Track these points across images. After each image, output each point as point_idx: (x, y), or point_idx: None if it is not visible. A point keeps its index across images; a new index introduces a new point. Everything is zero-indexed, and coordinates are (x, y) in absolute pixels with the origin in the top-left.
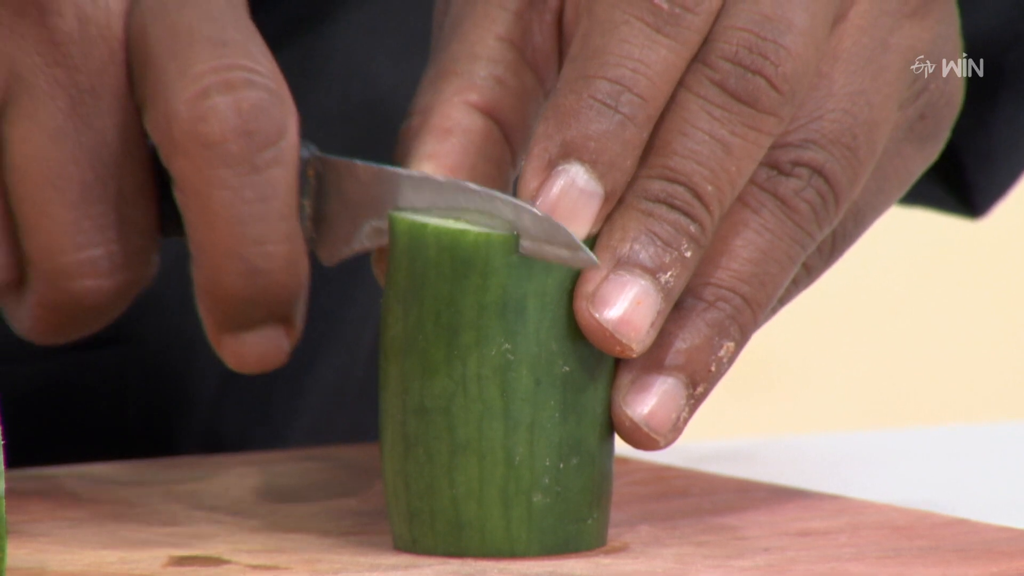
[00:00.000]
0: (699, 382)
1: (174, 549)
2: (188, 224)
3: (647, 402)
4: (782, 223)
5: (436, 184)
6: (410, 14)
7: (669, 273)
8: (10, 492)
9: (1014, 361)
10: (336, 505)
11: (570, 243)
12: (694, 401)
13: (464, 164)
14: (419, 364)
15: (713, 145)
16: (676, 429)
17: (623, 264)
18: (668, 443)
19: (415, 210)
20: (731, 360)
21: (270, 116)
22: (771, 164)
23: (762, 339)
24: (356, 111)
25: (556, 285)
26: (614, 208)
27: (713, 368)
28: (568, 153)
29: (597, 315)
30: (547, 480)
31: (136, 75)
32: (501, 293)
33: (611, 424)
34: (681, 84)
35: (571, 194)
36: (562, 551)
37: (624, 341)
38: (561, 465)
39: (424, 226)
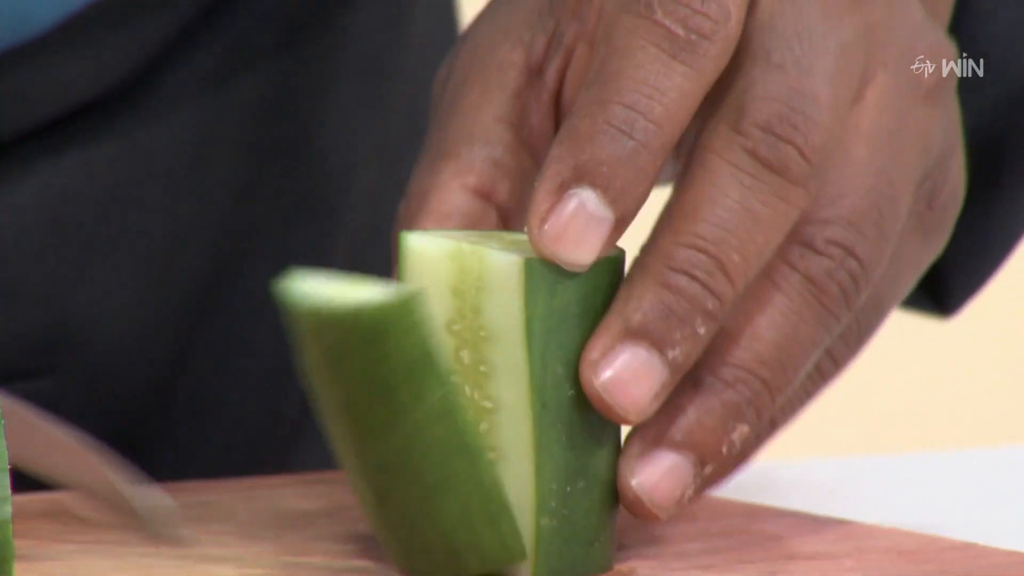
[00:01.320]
0: (708, 462)
1: (181, 573)
2: None
3: (652, 476)
4: (810, 305)
5: None
6: (393, 113)
7: (678, 349)
8: (17, 516)
9: (1022, 384)
10: (344, 529)
11: None
12: (702, 480)
13: None
14: (364, 428)
15: (743, 214)
16: (679, 505)
17: (632, 335)
18: (669, 517)
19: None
20: (747, 442)
21: None
22: (803, 242)
23: None
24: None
25: (561, 308)
26: (633, 271)
27: (725, 450)
28: (580, 177)
29: (597, 382)
30: (554, 503)
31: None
32: (422, 346)
33: (618, 448)
34: (710, 149)
35: (580, 218)
36: (568, 574)
37: (621, 412)
38: (568, 488)
39: (319, 311)
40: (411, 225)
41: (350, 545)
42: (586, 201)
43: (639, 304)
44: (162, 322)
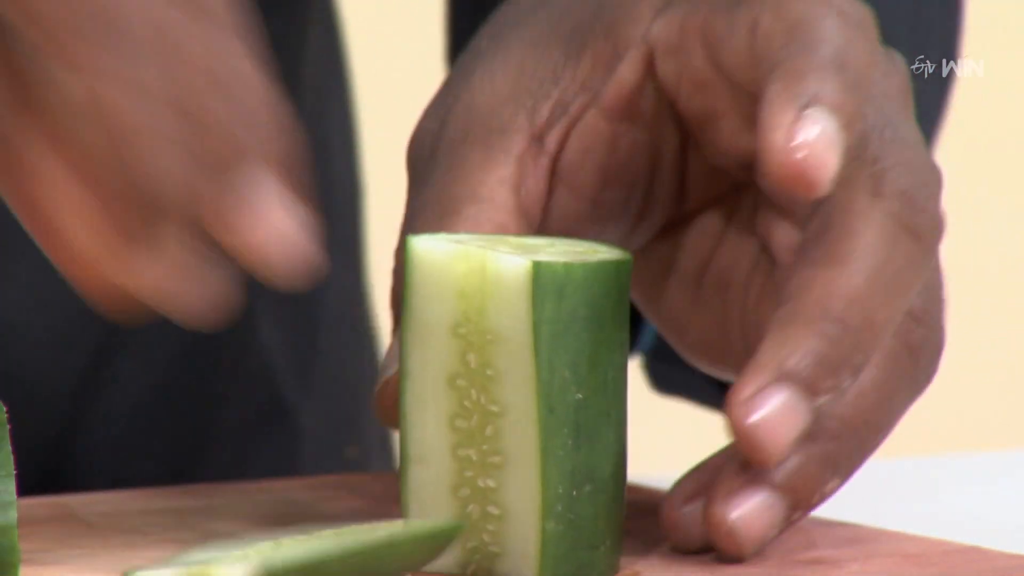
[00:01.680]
0: (798, 509)
1: None
2: None
3: (749, 513)
4: (906, 372)
5: None
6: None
7: (823, 398)
8: (23, 521)
9: None
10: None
11: None
12: (787, 524)
13: None
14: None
15: (890, 275)
16: (763, 544)
17: (786, 379)
18: (749, 555)
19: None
20: (831, 495)
21: None
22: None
23: None
24: None
25: (569, 312)
26: (786, 315)
27: (815, 500)
28: (817, 100)
29: (748, 421)
30: (560, 507)
31: None
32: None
33: (624, 452)
34: (851, 212)
35: (823, 139)
36: None
37: (764, 454)
38: (574, 492)
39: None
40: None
41: None
42: (824, 122)
43: (796, 348)
44: (85, 323)
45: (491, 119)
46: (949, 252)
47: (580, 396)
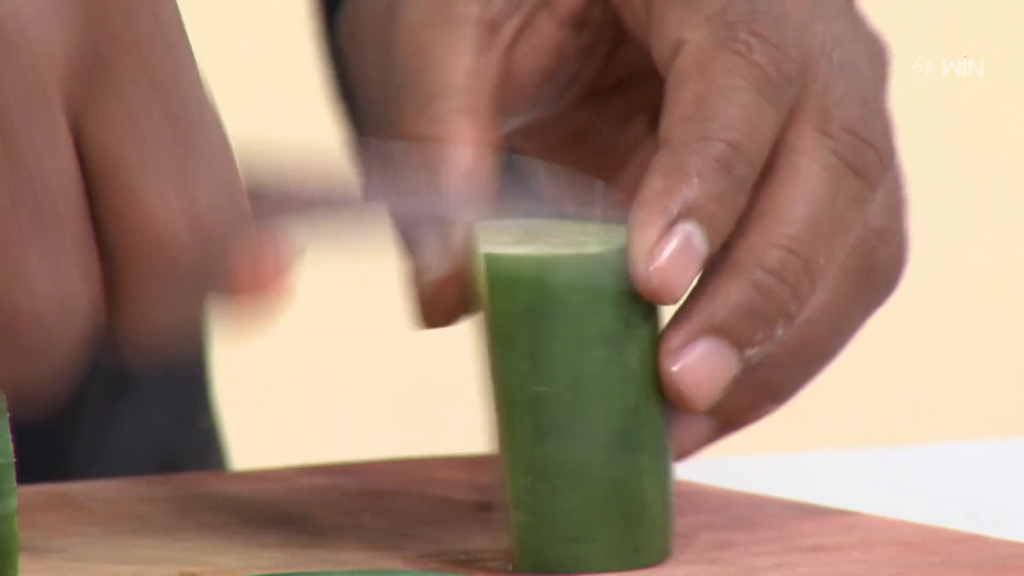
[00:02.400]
0: (726, 430)
1: (187, 565)
2: None
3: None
4: (864, 292)
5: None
6: None
7: (756, 349)
8: (22, 508)
9: None
10: (349, 522)
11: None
12: (713, 441)
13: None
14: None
15: (831, 217)
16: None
17: (714, 331)
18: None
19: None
20: (765, 416)
21: None
22: (865, 228)
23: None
24: None
25: (523, 305)
26: (720, 264)
27: (748, 424)
28: (689, 213)
29: (675, 370)
30: (527, 499)
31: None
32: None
33: (633, 447)
34: (797, 150)
35: (685, 254)
36: (555, 571)
37: (691, 403)
38: (540, 485)
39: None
40: (443, 174)
41: (356, 537)
42: (692, 236)
43: (725, 300)
44: None
45: (447, 8)
46: (949, 252)
47: (543, 389)
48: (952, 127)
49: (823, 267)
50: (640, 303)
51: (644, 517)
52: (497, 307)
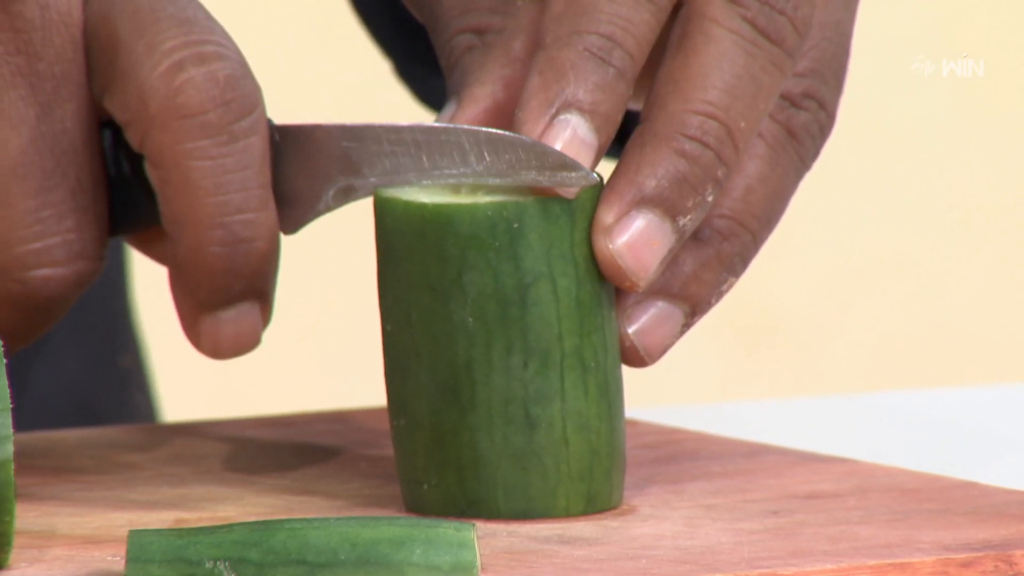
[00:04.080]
0: (698, 313)
1: (183, 512)
2: (166, 201)
3: (647, 324)
4: (790, 157)
5: (400, 132)
6: None
7: (689, 217)
8: (18, 455)
9: None
10: (345, 468)
11: (567, 163)
12: (687, 329)
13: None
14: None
15: (748, 81)
16: (665, 352)
17: (646, 203)
18: (653, 363)
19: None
20: (727, 292)
21: (243, 86)
22: (784, 95)
23: (770, 301)
24: None
25: (378, 244)
26: (643, 136)
27: (713, 300)
28: (568, 104)
29: (611, 247)
30: (393, 435)
31: (97, 60)
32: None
33: (453, 398)
34: (709, 17)
35: (574, 144)
36: (410, 510)
37: (632, 277)
38: (395, 422)
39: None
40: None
41: (353, 483)
42: (576, 127)
43: (653, 171)
44: None
45: None
46: (950, 252)
47: (388, 328)
48: (952, 127)
49: (744, 131)
50: (485, 266)
51: (479, 474)
52: (376, 245)
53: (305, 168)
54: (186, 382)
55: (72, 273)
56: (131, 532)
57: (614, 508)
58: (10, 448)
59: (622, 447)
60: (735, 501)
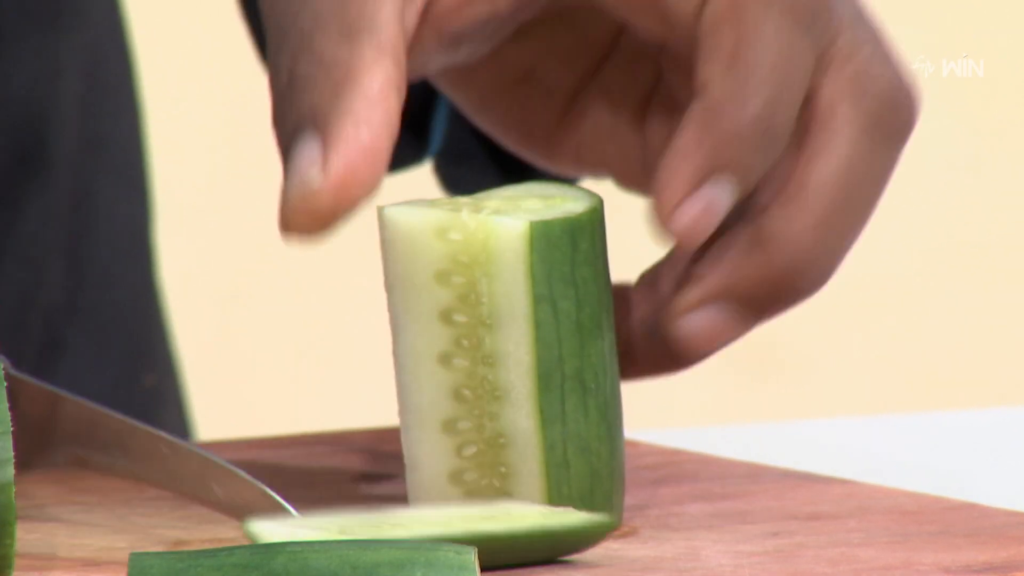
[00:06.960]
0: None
1: (184, 534)
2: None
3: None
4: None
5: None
6: None
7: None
8: (19, 477)
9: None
10: (347, 490)
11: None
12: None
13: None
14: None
15: (862, 190)
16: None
17: (719, 169)
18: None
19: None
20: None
21: None
22: None
23: (772, 324)
24: None
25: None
26: (744, 236)
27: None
28: (723, 167)
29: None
30: None
31: None
32: None
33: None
34: (832, 122)
35: (711, 210)
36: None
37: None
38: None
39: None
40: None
41: (355, 505)
42: (721, 192)
43: (747, 276)
44: None
45: None
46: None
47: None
48: (952, 127)
49: (848, 245)
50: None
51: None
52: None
53: None
54: (222, 401)
55: None
56: (132, 555)
57: (614, 530)
58: (11, 471)
59: (622, 469)
60: (736, 523)
